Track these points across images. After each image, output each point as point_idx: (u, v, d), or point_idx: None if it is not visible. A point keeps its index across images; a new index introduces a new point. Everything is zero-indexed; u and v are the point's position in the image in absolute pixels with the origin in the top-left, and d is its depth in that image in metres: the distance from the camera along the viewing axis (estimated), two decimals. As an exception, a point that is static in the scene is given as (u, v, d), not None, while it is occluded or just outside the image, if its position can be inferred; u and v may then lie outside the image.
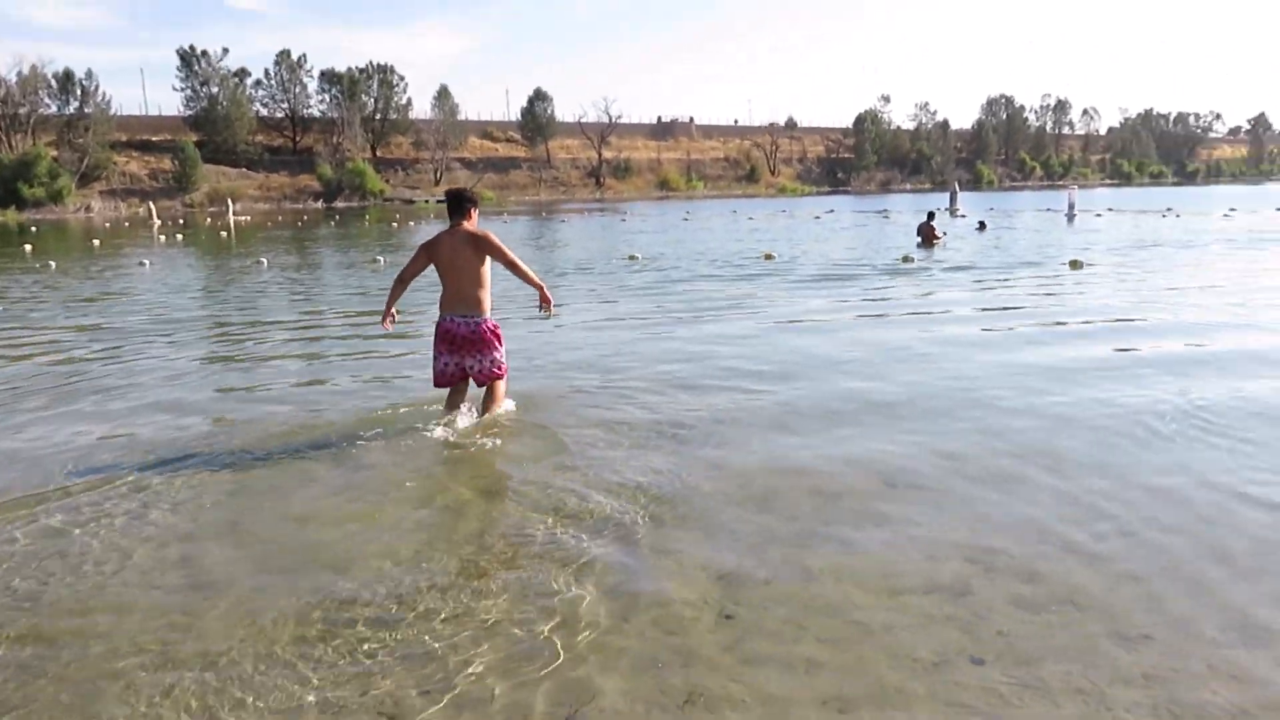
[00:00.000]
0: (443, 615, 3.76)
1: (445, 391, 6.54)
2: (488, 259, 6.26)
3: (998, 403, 7.02)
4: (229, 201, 60.69)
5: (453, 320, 6.28)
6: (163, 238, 34.82)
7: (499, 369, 6.42)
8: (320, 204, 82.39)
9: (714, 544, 4.47)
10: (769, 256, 21.00)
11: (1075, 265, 17.44)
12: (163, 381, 8.38)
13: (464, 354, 6.31)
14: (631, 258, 21.13)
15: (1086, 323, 10.91)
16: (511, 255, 6.29)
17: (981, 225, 29.97)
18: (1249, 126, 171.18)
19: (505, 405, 6.67)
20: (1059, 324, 10.88)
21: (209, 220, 54.11)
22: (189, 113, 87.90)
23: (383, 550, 4.42)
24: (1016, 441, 6.01)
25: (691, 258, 21.61)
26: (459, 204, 6.34)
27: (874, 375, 8.12)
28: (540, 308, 6.65)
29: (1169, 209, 43.37)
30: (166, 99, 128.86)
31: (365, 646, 3.51)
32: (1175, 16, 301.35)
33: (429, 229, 40.59)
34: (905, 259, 19.51)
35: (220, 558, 4.40)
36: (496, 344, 6.35)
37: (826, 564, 4.23)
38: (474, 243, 6.23)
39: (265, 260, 22.20)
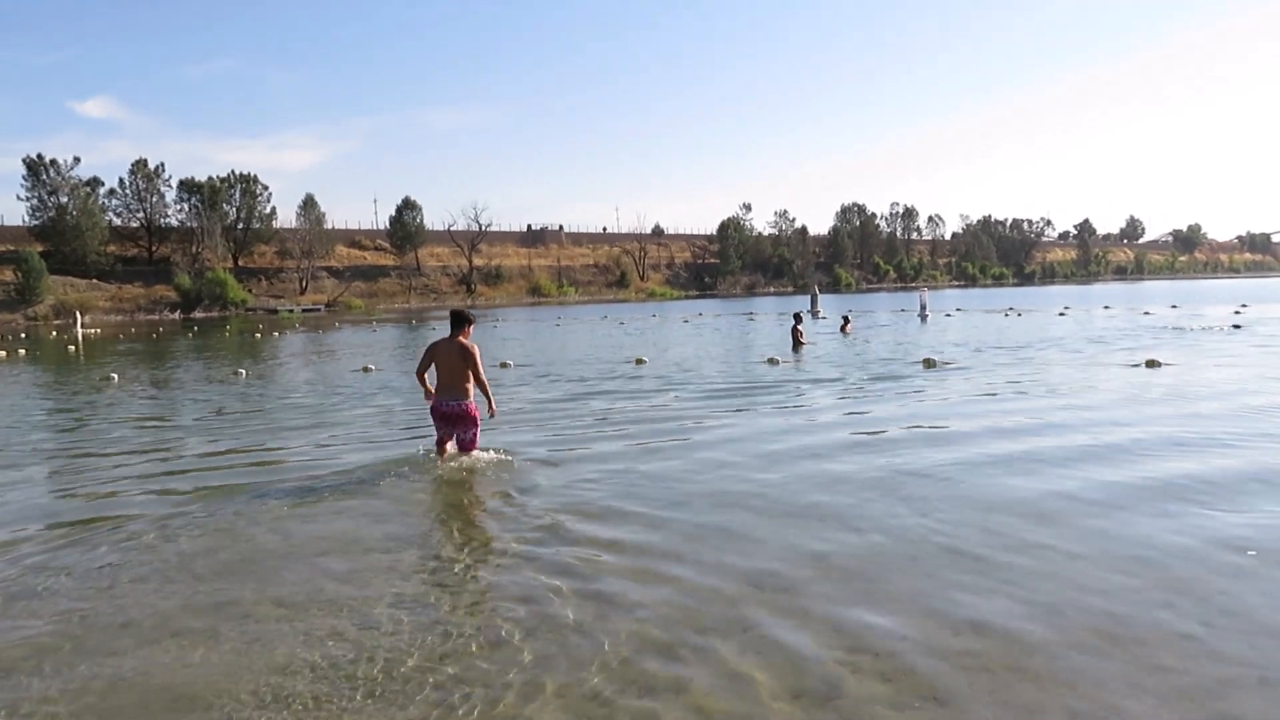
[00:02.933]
0: None
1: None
2: (473, 363, 8.64)
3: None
4: (77, 314, 57.88)
5: (445, 404, 8.74)
6: (2, 354, 32.75)
7: (474, 444, 8.88)
8: (178, 315, 79.57)
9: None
10: (640, 361, 21.33)
11: (929, 364, 18.34)
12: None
13: (453, 426, 8.84)
14: (503, 365, 21.09)
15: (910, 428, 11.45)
16: (481, 371, 8.73)
17: (845, 325, 31.21)
18: (1076, 231, 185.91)
19: (477, 455, 8.93)
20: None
21: (54, 334, 51.32)
22: (35, 223, 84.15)
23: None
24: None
25: (573, 364, 21.72)
26: (458, 321, 8.79)
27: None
28: (489, 413, 9.02)
29: (1010, 308, 46.37)
30: (10, 208, 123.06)
31: None
32: (1007, 129, 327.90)
33: (293, 339, 39.63)
34: (770, 360, 20.13)
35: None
36: (474, 422, 8.83)
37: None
38: (464, 353, 8.67)
39: (115, 376, 21.13)
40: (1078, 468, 8.18)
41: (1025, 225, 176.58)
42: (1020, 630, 4.57)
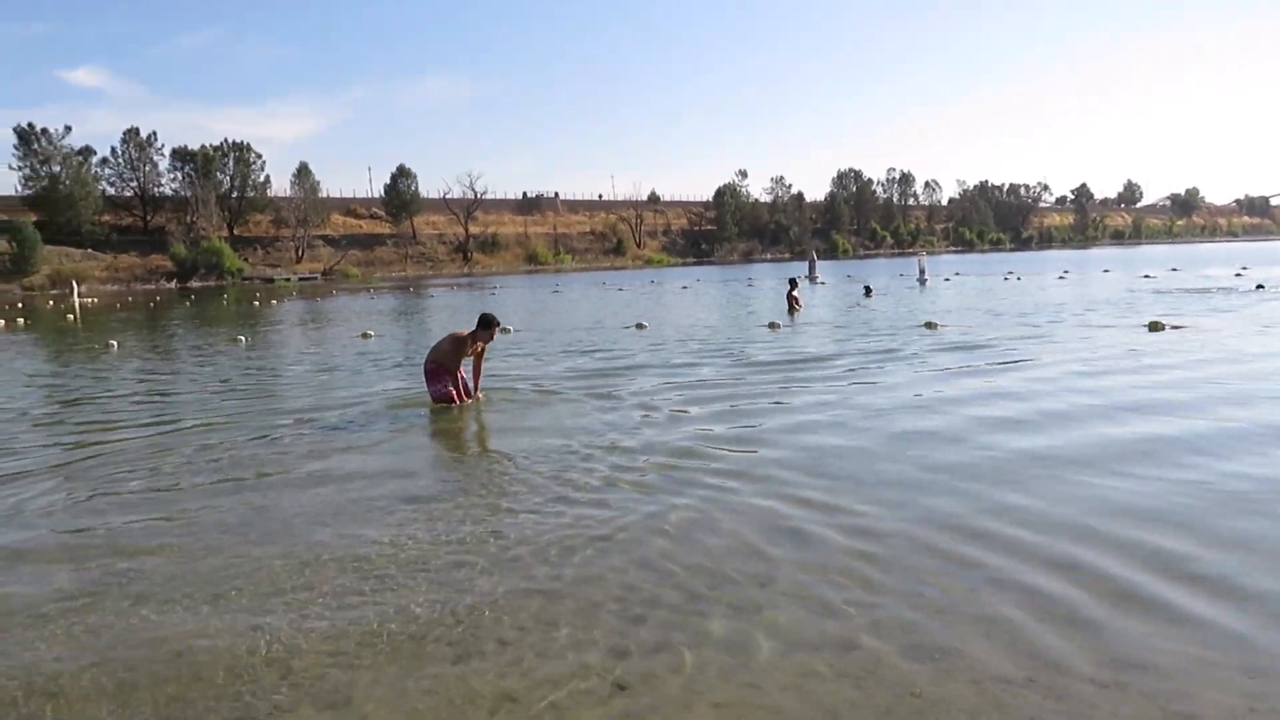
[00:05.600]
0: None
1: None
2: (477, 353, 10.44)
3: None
4: (73, 283, 57.58)
5: (460, 373, 10.37)
6: (1, 322, 32.62)
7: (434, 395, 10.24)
8: (174, 284, 79.24)
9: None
10: (639, 326, 21.30)
11: (930, 326, 18.36)
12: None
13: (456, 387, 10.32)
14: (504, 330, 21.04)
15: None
16: (483, 363, 10.74)
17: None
18: (1073, 196, 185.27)
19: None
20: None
21: (51, 304, 51.12)
22: (28, 192, 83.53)
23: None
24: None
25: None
26: (487, 325, 10.22)
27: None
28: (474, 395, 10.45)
29: (1010, 272, 46.29)
30: (1, 178, 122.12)
31: None
32: (1005, 93, 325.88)
33: (290, 307, 39.51)
34: (771, 325, 20.11)
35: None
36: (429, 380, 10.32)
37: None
38: (479, 348, 10.43)
39: (115, 344, 21.08)
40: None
41: (1022, 190, 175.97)
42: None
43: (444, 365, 10.26)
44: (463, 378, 10.41)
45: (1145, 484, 6.29)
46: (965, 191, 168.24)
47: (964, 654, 3.88)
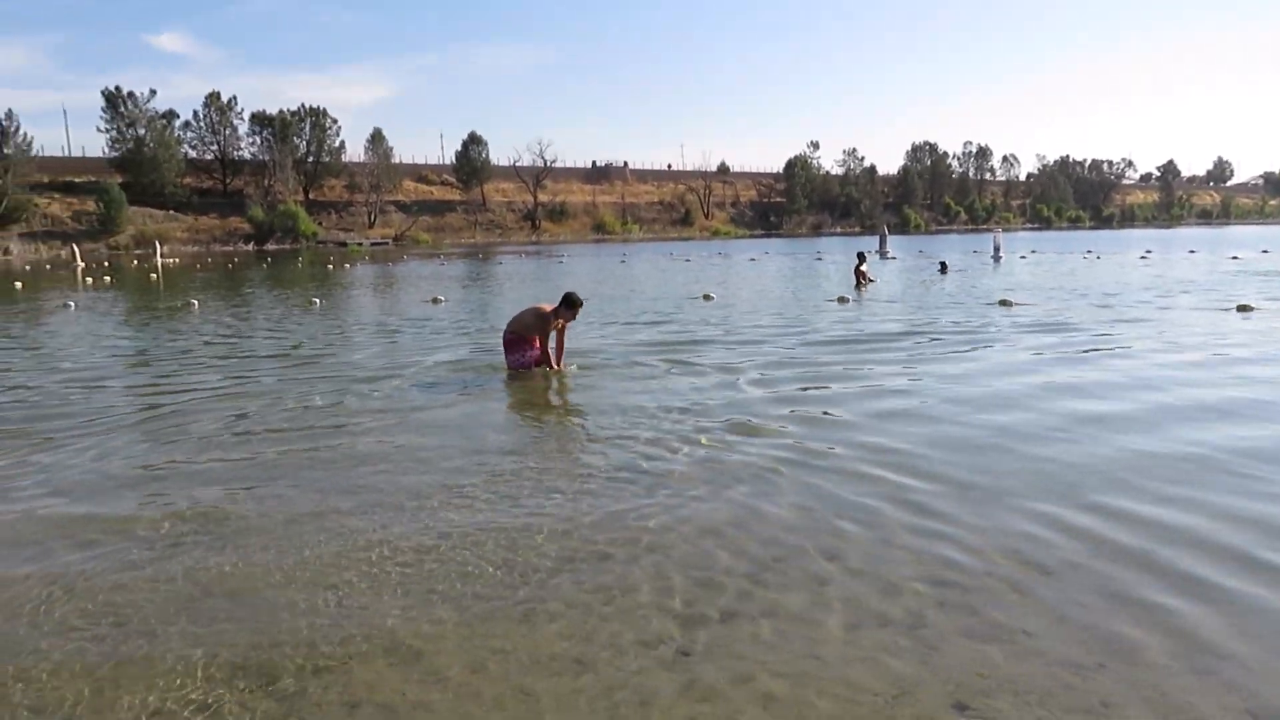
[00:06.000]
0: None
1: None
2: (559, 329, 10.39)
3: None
4: (156, 244, 59.34)
5: (537, 345, 10.36)
6: (89, 280, 33.83)
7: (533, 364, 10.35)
8: (251, 246, 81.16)
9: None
10: (707, 297, 21.23)
11: (1004, 304, 17.95)
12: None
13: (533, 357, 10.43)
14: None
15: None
16: (563, 338, 10.55)
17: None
18: (1159, 174, 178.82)
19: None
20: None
21: (135, 263, 52.81)
22: (114, 154, 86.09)
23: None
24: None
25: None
26: (570, 304, 10.12)
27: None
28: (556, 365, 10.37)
29: (1089, 251, 44.97)
30: (91, 140, 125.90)
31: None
32: (1089, 67, 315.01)
33: (363, 271, 40.20)
34: (840, 299, 19.87)
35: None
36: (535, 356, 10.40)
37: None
38: (561, 327, 10.37)
39: (195, 303, 21.72)
40: None
41: (1105, 166, 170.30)
42: None
43: (523, 336, 10.35)
44: (543, 350, 10.40)
45: (1259, 485, 5.89)
46: (1045, 167, 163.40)
47: (1035, 636, 3.82)
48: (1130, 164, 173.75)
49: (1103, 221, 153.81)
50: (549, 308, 10.27)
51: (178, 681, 3.58)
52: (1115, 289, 21.92)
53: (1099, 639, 3.78)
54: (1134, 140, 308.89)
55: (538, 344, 10.38)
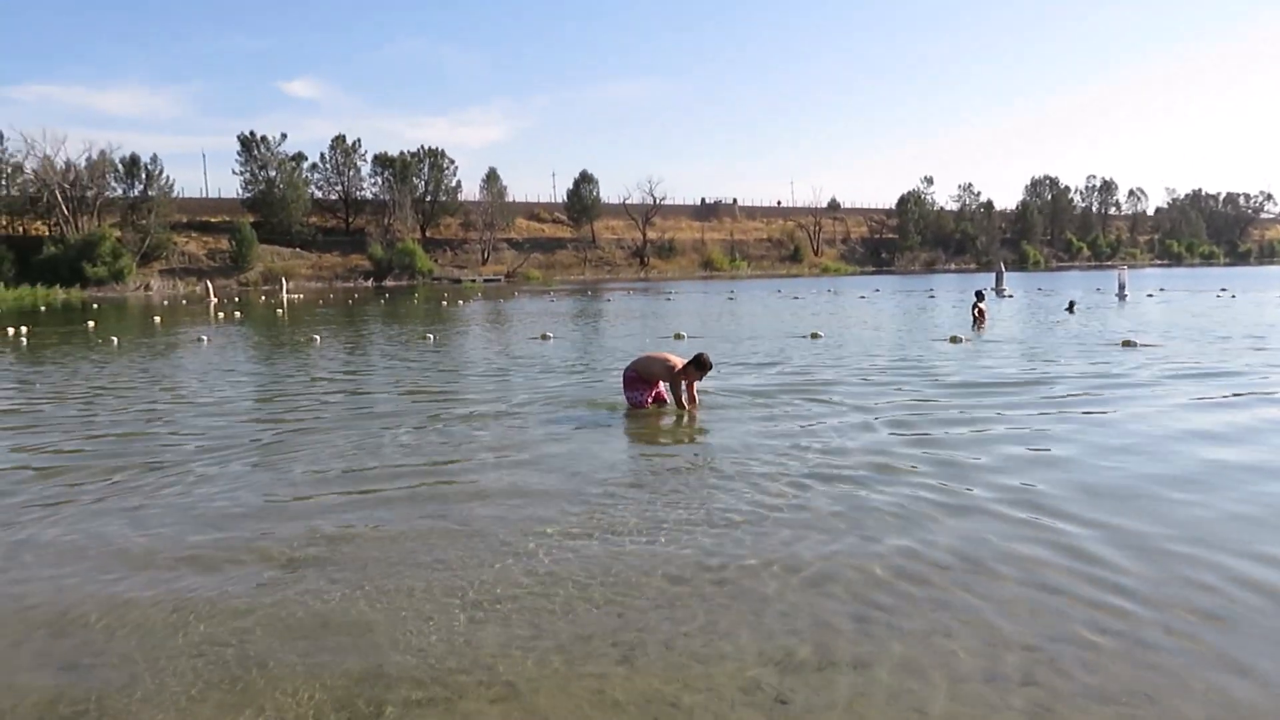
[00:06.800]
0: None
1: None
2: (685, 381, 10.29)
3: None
4: (283, 280, 62.31)
5: (657, 388, 10.54)
6: (220, 315, 35.70)
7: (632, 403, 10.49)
8: (370, 282, 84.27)
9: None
10: (815, 335, 21.00)
11: (1128, 344, 17.23)
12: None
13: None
14: (677, 335, 21.20)
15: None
16: (693, 394, 10.46)
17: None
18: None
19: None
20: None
21: (263, 298, 55.50)
22: (247, 195, 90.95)
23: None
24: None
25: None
26: (700, 366, 10.14)
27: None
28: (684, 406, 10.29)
29: (1224, 289, 42.77)
30: (226, 182, 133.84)
31: None
32: (1222, 97, 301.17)
33: (475, 307, 41.25)
34: (953, 339, 19.38)
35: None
36: (628, 386, 10.56)
37: (891, 649, 4.12)
38: (688, 381, 10.31)
39: (318, 337, 22.66)
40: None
41: (1241, 200, 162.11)
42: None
43: (644, 379, 10.48)
44: (674, 395, 10.45)
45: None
46: (1175, 200, 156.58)
47: (1157, 703, 3.61)
48: (1270, 197, 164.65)
49: (1239, 258, 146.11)
50: (679, 362, 10.32)
51: (288, 707, 3.70)
52: (1260, 330, 20.73)
53: (1224, 707, 3.55)
54: (1274, 172, 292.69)
55: (659, 388, 10.57)
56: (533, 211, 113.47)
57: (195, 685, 3.91)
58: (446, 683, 3.89)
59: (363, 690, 3.84)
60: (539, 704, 3.70)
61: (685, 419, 10.04)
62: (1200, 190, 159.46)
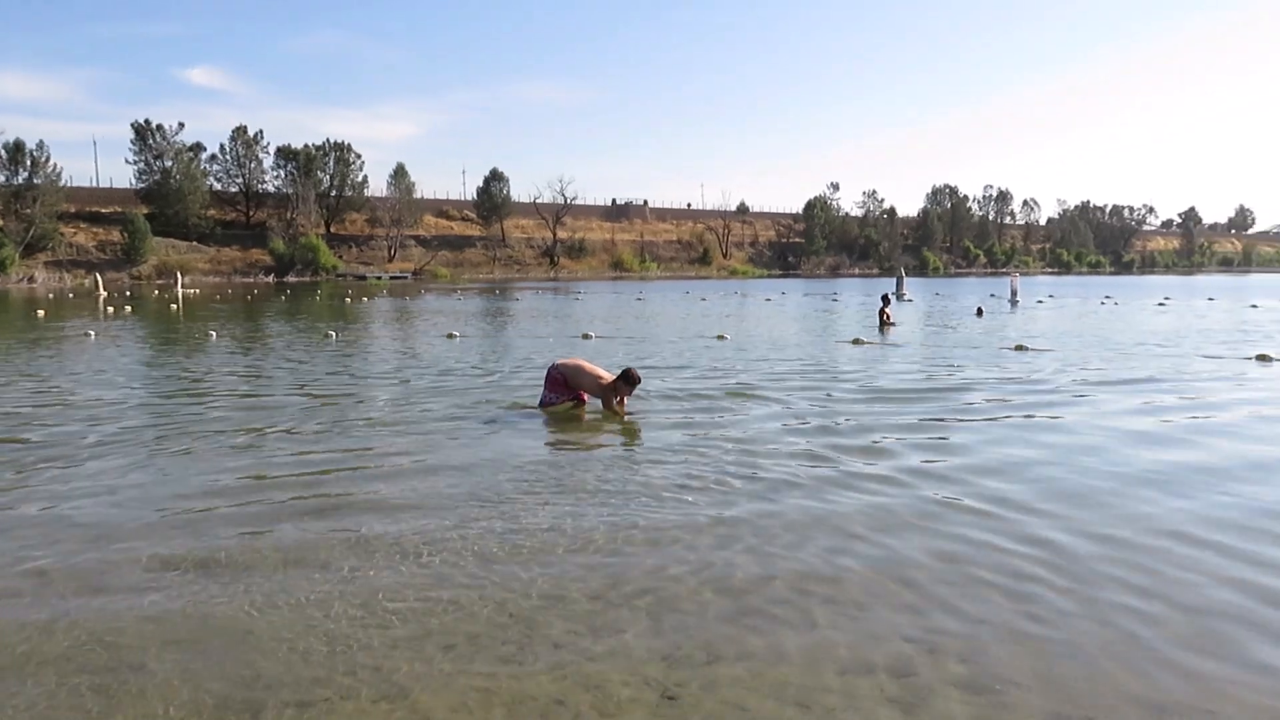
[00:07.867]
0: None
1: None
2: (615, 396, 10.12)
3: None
4: (178, 274, 60.02)
5: (578, 397, 10.44)
6: (110, 310, 34.23)
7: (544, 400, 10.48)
8: (271, 278, 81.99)
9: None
10: (721, 337, 21.23)
11: (1020, 349, 17.91)
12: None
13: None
14: (585, 336, 21.21)
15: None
16: (623, 409, 10.11)
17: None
18: (1180, 220, 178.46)
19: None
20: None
21: (156, 293, 53.41)
22: (141, 185, 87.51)
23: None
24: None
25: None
26: (629, 381, 10.00)
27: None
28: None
29: (1107, 296, 44.76)
30: (119, 171, 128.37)
31: None
32: (1112, 113, 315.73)
33: (380, 305, 40.47)
34: (855, 341, 19.84)
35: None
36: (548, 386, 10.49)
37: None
38: (612, 395, 10.11)
39: (213, 333, 21.91)
40: None
41: (1126, 212, 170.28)
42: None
43: (569, 386, 10.36)
44: (604, 403, 10.24)
45: None
46: (1065, 211, 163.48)
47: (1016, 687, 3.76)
48: (1151, 210, 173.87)
49: (1123, 267, 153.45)
50: (609, 377, 10.27)
51: (158, 714, 3.58)
52: (1140, 335, 21.78)
53: None
54: (1155, 187, 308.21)
55: (582, 397, 10.45)
56: (442, 209, 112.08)
57: (61, 690, 3.74)
58: (329, 684, 3.81)
59: (242, 695, 3.73)
60: (424, 703, 3.66)
61: (577, 420, 10.02)
62: (1089, 202, 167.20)
